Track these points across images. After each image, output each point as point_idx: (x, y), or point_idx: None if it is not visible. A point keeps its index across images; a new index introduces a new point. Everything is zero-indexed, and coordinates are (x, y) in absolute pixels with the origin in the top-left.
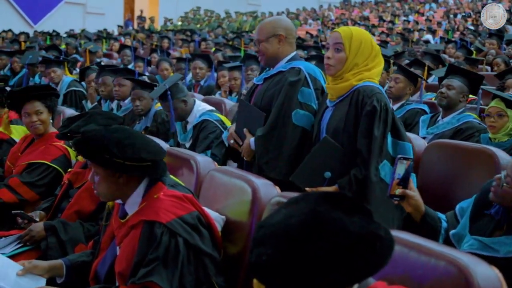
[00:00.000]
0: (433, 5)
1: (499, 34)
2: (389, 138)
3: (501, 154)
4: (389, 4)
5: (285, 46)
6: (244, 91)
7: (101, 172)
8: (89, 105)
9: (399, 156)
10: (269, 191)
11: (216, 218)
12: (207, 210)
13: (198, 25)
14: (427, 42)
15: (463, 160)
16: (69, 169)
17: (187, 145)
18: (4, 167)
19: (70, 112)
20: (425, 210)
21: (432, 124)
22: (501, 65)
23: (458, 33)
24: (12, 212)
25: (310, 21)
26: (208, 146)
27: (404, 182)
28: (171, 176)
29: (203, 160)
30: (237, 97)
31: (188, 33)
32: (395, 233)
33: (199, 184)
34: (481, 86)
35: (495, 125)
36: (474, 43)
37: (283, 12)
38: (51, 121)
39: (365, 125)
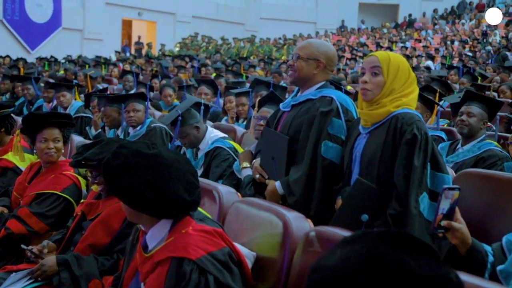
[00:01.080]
0: (430, 31)
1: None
2: (428, 169)
3: None
4: (385, 31)
5: (320, 74)
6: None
7: (124, 205)
8: (93, 131)
9: (445, 186)
10: (302, 224)
11: (247, 255)
12: (237, 245)
13: (195, 52)
14: (428, 68)
15: (497, 191)
16: (82, 200)
17: (199, 173)
18: (10, 197)
19: (78, 139)
20: (472, 243)
21: (452, 152)
22: (507, 92)
23: (456, 59)
24: (21, 246)
25: None
26: (221, 175)
27: (449, 212)
28: (199, 209)
29: (226, 191)
30: (245, 123)
31: (187, 59)
32: None
33: (222, 216)
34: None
35: None
36: (476, 70)
37: (280, 38)
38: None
39: (405, 154)
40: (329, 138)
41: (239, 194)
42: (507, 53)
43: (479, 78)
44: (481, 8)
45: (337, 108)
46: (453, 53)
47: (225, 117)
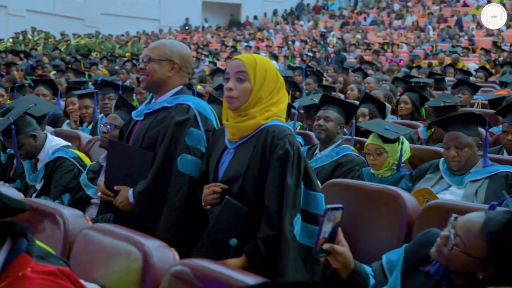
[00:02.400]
0: (271, 31)
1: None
2: (302, 188)
3: (405, 195)
4: (228, 29)
5: (176, 76)
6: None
7: None
8: None
9: (328, 207)
10: (165, 256)
11: None
12: (88, 285)
13: (32, 46)
14: None
15: (362, 201)
16: None
17: (38, 186)
18: None
19: None
20: (354, 267)
21: (310, 157)
22: (355, 90)
23: (298, 59)
24: None
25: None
26: (66, 188)
27: (332, 235)
28: (38, 242)
29: (72, 214)
30: (90, 127)
31: (22, 55)
32: None
33: (67, 247)
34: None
35: (376, 163)
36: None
37: (122, 35)
38: None
39: (277, 172)
40: (187, 151)
41: (88, 218)
42: (345, 54)
43: (324, 79)
44: (318, 10)
45: (194, 116)
46: (295, 53)
47: (67, 121)
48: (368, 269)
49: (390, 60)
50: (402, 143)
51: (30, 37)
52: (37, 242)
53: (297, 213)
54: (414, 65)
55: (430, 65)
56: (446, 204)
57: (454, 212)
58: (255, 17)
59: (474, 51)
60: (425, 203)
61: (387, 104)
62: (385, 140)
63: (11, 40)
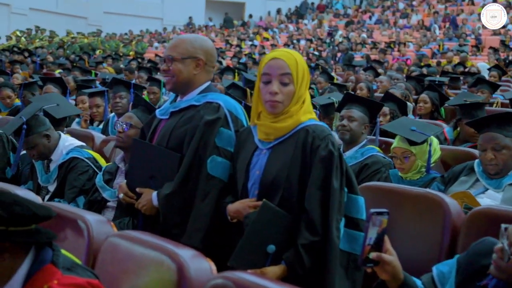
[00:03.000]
0: (276, 30)
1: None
2: (346, 191)
3: (448, 200)
4: (234, 28)
5: (201, 73)
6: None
7: None
8: None
9: (373, 211)
10: (202, 267)
11: None
12: None
13: (35, 45)
14: None
15: (402, 207)
16: None
17: (50, 187)
18: None
19: None
20: (404, 279)
21: None
22: (364, 89)
23: (304, 58)
24: None
25: (156, 44)
26: (81, 191)
27: (378, 242)
28: (64, 252)
29: (96, 221)
30: (101, 126)
31: (26, 53)
32: None
33: (91, 256)
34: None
35: (404, 167)
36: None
37: (125, 34)
38: None
39: (320, 174)
40: (217, 152)
41: (113, 224)
42: (353, 53)
43: (335, 77)
44: (322, 9)
45: (225, 116)
46: (301, 52)
47: (77, 120)
48: (417, 281)
49: (397, 59)
50: (430, 144)
51: (36, 35)
52: (63, 251)
53: (342, 218)
54: (422, 64)
55: (438, 64)
56: (493, 210)
57: (503, 218)
58: (261, 18)
59: (481, 50)
60: (463, 207)
61: (408, 103)
62: (412, 143)
63: (14, 38)
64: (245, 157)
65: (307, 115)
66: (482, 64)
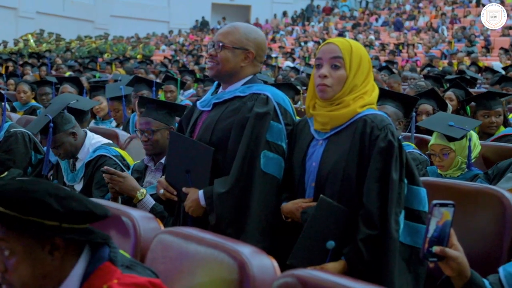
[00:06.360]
0: (282, 32)
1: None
2: (406, 183)
3: (510, 196)
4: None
5: (248, 66)
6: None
7: (19, 248)
8: None
9: (435, 202)
10: (264, 265)
11: None
12: None
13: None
14: (294, 68)
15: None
16: None
17: (77, 186)
18: None
19: None
20: (470, 276)
21: None
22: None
23: (313, 60)
24: None
25: (163, 46)
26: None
27: (442, 236)
28: (121, 251)
29: (142, 217)
30: (121, 127)
31: (35, 56)
32: None
33: (138, 254)
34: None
35: (443, 164)
36: None
37: (132, 37)
38: None
39: (379, 166)
40: (268, 148)
41: (159, 221)
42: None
43: None
44: (328, 12)
45: (274, 108)
46: (309, 53)
47: (93, 122)
48: (484, 281)
49: (407, 61)
50: (470, 139)
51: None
52: (121, 250)
53: (402, 210)
54: (433, 65)
55: (450, 64)
56: None
57: None
58: (267, 21)
59: (490, 51)
60: None
61: (449, 104)
62: (451, 139)
63: (22, 42)
64: (301, 149)
65: (365, 106)
66: (496, 64)
